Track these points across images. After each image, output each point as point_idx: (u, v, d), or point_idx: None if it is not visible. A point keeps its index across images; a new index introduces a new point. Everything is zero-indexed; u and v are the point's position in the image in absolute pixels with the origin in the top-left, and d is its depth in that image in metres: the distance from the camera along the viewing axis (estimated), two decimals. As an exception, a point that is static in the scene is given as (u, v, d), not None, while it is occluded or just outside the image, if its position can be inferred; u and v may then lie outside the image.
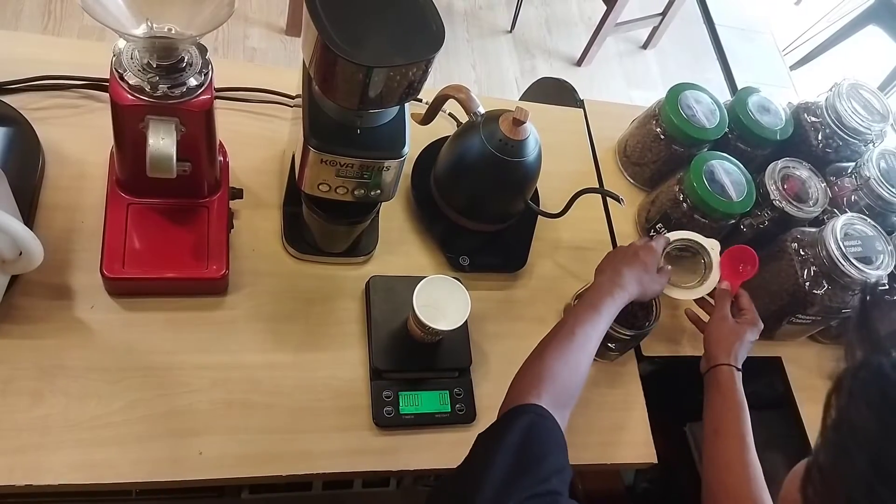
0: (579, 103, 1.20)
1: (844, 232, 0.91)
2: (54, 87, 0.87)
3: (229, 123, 0.93)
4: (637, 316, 0.87)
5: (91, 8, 0.58)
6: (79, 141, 0.85)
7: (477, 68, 2.44)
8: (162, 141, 0.66)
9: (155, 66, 0.65)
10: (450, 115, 1.05)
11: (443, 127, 1.02)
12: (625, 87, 2.62)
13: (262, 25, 2.24)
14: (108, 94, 0.88)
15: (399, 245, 0.93)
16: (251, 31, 2.21)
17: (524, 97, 1.44)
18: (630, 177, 1.12)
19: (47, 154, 0.83)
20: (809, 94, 1.14)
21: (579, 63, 2.59)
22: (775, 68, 2.97)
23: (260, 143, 0.94)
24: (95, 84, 0.88)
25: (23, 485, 0.67)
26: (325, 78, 0.66)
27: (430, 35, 0.65)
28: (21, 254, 0.69)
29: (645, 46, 2.77)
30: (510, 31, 2.59)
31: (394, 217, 0.95)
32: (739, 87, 2.49)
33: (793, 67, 2.98)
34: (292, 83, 0.98)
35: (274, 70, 1.02)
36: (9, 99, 0.84)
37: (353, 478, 0.79)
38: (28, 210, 0.77)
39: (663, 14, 2.61)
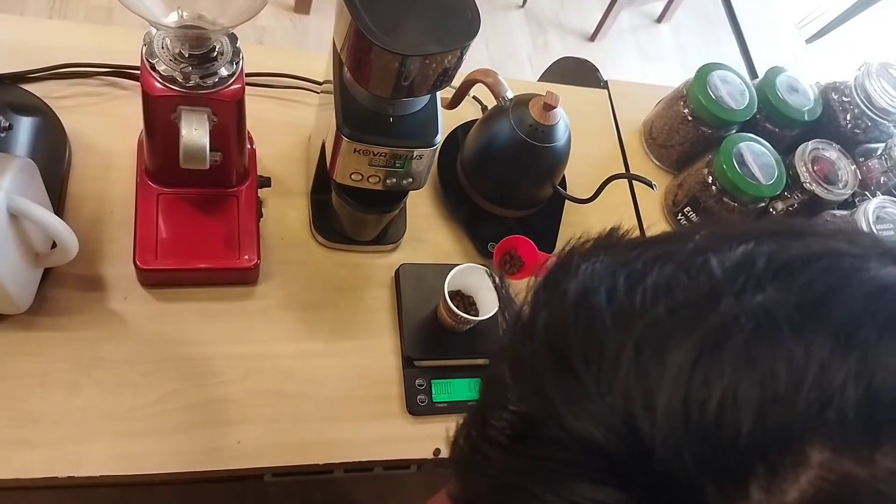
0: (603, 84, 1.18)
1: (877, 215, 0.91)
2: (76, 75, 0.86)
3: (253, 110, 0.91)
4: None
5: (124, -2, 0.57)
6: (104, 130, 0.85)
7: (490, 45, 2.41)
8: (195, 132, 0.65)
9: (187, 55, 0.64)
10: (474, 98, 1.03)
11: (467, 111, 1.00)
12: (639, 62, 2.59)
13: (270, 3, 2.20)
14: (130, 82, 0.88)
15: (426, 232, 0.93)
16: (260, 9, 2.18)
17: (544, 77, 1.42)
18: (656, 159, 1.10)
19: (73, 143, 0.82)
20: (825, 67, 1.12)
21: (593, 38, 2.56)
22: (791, 41, 2.92)
23: (284, 130, 0.93)
24: (118, 71, 0.87)
25: (65, 477, 0.67)
26: (358, 66, 0.64)
27: (465, 22, 0.63)
28: (53, 247, 0.69)
29: (659, 20, 2.73)
30: (522, 6, 2.54)
31: (420, 204, 0.94)
32: (755, 61, 2.44)
33: (809, 40, 2.93)
34: (312, 67, 0.96)
35: (292, 53, 1.00)
36: (32, 88, 0.83)
37: (388, 465, 0.80)
38: (57, 201, 0.77)
39: (678, -13, 2.56)
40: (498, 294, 0.30)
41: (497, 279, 0.31)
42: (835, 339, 0.20)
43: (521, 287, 0.28)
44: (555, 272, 0.26)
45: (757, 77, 1.11)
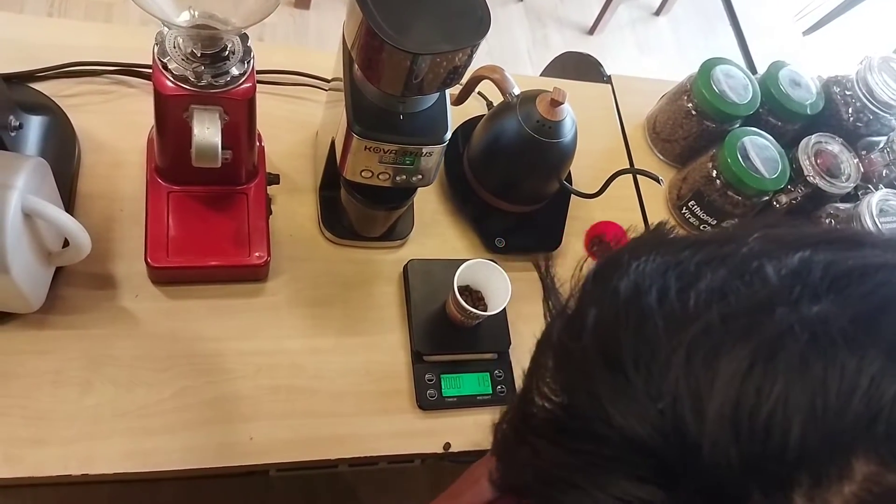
0: (606, 79, 1.19)
1: (880, 208, 0.91)
2: (84, 74, 0.86)
3: (260, 107, 0.92)
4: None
5: (137, -3, 0.57)
6: (112, 128, 0.85)
7: (489, 40, 2.40)
8: (207, 130, 0.65)
9: (199, 55, 0.64)
10: (479, 94, 1.03)
11: (473, 107, 1.00)
12: (638, 56, 2.59)
13: (270, -2, 2.20)
14: (139, 80, 0.88)
15: (433, 227, 0.93)
16: (259, 4, 2.17)
17: (546, 72, 1.43)
18: (660, 153, 1.11)
19: (82, 142, 0.82)
20: (822, 59, 1.12)
21: (591, 32, 2.55)
22: (788, 33, 2.93)
23: (291, 127, 0.93)
24: (126, 70, 0.87)
25: (79, 474, 0.68)
26: (369, 64, 0.65)
27: (475, 20, 0.64)
28: (65, 245, 0.69)
29: (657, 13, 2.73)
30: (521, 0, 2.54)
31: (427, 200, 0.95)
32: (752, 53, 2.43)
33: (805, 33, 2.93)
34: (317, 64, 0.97)
35: (297, 51, 1.00)
36: (40, 87, 0.83)
37: (396, 460, 0.80)
38: (67, 199, 0.77)
39: (676, -20, 2.56)
40: (543, 283, 0.31)
41: (543, 268, 0.32)
42: (887, 353, 0.20)
43: (565, 277, 0.28)
44: (604, 268, 0.26)
45: (755, 68, 1.12)
